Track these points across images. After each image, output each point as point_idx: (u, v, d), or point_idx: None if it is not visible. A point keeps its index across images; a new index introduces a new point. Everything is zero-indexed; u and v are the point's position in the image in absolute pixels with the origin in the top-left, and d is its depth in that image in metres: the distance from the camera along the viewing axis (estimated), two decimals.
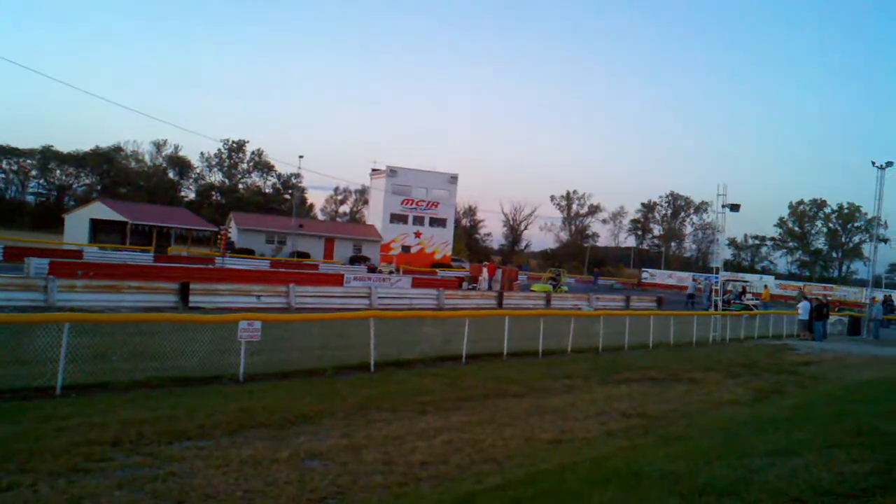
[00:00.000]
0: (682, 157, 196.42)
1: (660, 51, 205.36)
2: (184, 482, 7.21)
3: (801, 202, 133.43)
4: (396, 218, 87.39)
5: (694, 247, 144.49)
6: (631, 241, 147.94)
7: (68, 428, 8.87)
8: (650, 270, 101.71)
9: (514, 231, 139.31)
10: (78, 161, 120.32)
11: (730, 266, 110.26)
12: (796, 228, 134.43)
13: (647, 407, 13.43)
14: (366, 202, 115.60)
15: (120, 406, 10.35)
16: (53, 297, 22.79)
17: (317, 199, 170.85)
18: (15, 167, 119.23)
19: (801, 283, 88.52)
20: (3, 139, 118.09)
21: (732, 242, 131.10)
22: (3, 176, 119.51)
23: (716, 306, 35.31)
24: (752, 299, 51.54)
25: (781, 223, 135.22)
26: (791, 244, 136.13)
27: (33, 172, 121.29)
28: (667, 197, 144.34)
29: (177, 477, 7.37)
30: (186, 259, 54.54)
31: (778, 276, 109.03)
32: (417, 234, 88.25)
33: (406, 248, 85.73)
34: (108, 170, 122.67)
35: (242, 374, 13.22)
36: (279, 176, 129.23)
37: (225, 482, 7.31)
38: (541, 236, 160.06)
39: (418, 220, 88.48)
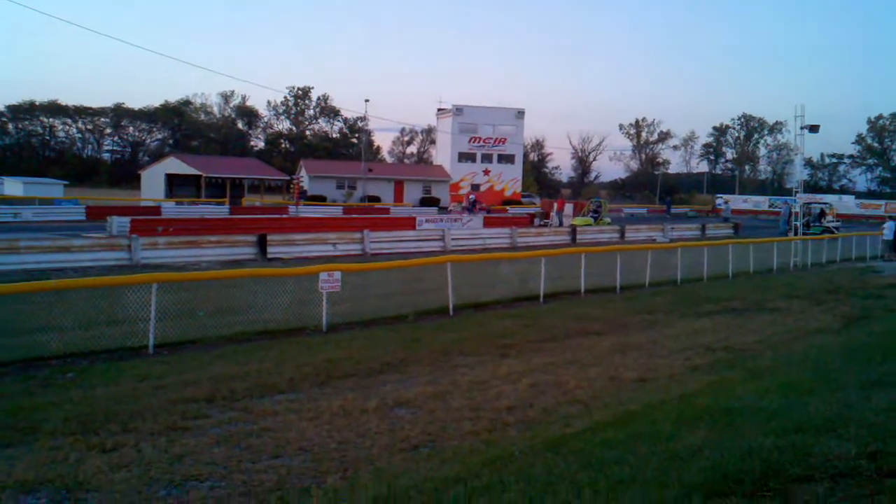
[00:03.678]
0: (753, 76, 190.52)
1: None
2: (278, 436, 7.40)
3: (880, 117, 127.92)
4: (464, 156, 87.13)
5: (769, 169, 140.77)
6: (703, 167, 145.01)
7: (164, 386, 9.16)
8: (724, 196, 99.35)
9: (583, 163, 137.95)
10: (149, 117, 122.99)
11: (807, 187, 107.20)
12: (876, 144, 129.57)
13: (731, 339, 13.29)
14: (433, 142, 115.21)
15: (210, 362, 10.63)
16: (137, 255, 23.41)
17: (383, 141, 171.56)
18: (90, 126, 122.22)
19: (882, 202, 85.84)
20: (77, 99, 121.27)
21: (808, 162, 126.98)
22: (79, 135, 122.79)
23: (795, 230, 34.48)
24: (833, 221, 50.07)
25: (860, 139, 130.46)
26: (871, 161, 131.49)
27: (107, 130, 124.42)
28: (739, 119, 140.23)
29: (271, 431, 7.56)
30: (261, 209, 55.33)
31: (858, 195, 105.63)
32: (486, 172, 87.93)
33: (475, 187, 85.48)
34: (179, 124, 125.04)
35: (325, 324, 13.43)
36: (345, 120, 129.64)
37: (318, 434, 7.48)
38: (610, 167, 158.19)
39: (486, 158, 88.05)
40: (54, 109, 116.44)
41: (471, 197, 63.11)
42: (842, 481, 4.83)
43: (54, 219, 43.58)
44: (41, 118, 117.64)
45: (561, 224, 46.41)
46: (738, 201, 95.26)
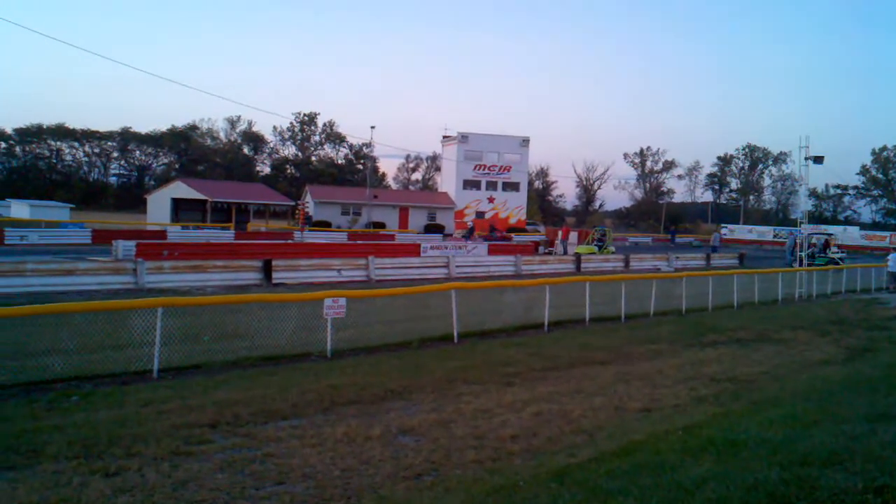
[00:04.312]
0: (758, 107, 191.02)
1: None
2: (282, 462, 7.39)
3: (884, 148, 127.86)
4: (469, 184, 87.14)
5: (773, 199, 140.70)
6: (708, 196, 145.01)
7: (168, 411, 9.15)
8: (729, 226, 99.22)
9: (587, 191, 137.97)
10: (156, 141, 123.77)
11: (812, 217, 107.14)
12: (880, 176, 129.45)
13: (736, 370, 13.27)
14: (438, 169, 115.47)
15: (215, 387, 10.63)
16: (143, 279, 23.46)
17: (389, 167, 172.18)
18: (97, 149, 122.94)
19: (886, 233, 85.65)
20: (85, 123, 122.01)
21: (813, 192, 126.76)
22: (86, 159, 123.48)
23: (800, 261, 34.44)
24: (838, 252, 49.99)
25: (864, 171, 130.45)
26: (875, 192, 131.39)
27: (114, 154, 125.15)
28: (744, 149, 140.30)
29: (275, 457, 7.55)
30: (266, 234, 55.50)
31: (862, 227, 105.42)
32: (491, 199, 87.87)
33: (480, 214, 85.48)
34: (186, 148, 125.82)
35: (330, 350, 13.44)
36: (351, 147, 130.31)
37: (321, 461, 7.46)
38: (615, 195, 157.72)
39: (491, 185, 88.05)
40: (61, 133, 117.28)
41: (469, 224, 63.29)
42: None
43: (60, 242, 43.70)
44: (48, 141, 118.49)
45: (565, 252, 46.42)
46: (742, 231, 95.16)
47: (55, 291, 20.87)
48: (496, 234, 58.05)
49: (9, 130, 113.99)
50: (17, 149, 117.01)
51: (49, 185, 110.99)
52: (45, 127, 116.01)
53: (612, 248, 50.35)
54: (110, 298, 18.68)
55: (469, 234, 56.39)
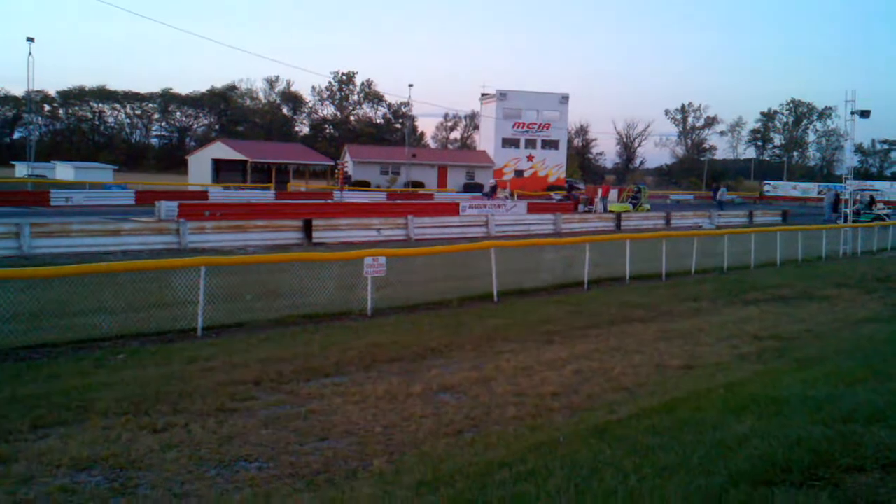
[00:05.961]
0: (802, 60, 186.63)
1: None
2: (325, 419, 7.49)
3: None
4: (508, 142, 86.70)
5: (818, 155, 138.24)
6: (751, 153, 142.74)
7: (213, 368, 9.31)
8: (772, 183, 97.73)
9: (627, 149, 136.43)
10: (196, 102, 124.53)
11: (857, 173, 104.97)
12: None
13: (778, 328, 13.14)
14: (476, 127, 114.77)
15: (258, 345, 10.77)
16: (185, 239, 23.76)
17: (427, 126, 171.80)
18: (138, 111, 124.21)
19: None
20: (126, 85, 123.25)
21: (859, 148, 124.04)
22: (128, 120, 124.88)
23: (845, 217, 33.87)
24: (884, 208, 49.12)
25: None
26: None
27: (156, 116, 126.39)
28: (787, 104, 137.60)
29: (317, 414, 7.65)
30: (306, 195, 55.81)
31: None
32: (530, 158, 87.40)
33: (519, 173, 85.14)
34: (225, 109, 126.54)
35: (370, 308, 13.52)
36: (389, 106, 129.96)
37: (363, 418, 7.55)
38: (656, 153, 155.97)
39: (530, 144, 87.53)
40: (103, 95, 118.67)
41: (491, 181, 63.03)
42: (893, 471, 4.76)
43: (104, 203, 44.32)
44: (91, 104, 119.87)
45: (605, 210, 46.13)
46: (786, 187, 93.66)
47: (101, 251, 21.26)
48: (497, 193, 57.73)
49: (52, 93, 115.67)
50: (61, 111, 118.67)
51: (92, 146, 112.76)
52: (87, 89, 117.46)
53: (648, 206, 49.89)
54: (154, 258, 18.95)
55: (491, 193, 56.20)
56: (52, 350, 10.31)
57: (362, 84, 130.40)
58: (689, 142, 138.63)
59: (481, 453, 6.25)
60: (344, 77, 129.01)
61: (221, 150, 70.59)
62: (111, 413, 7.46)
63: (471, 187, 77.03)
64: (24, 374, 9.00)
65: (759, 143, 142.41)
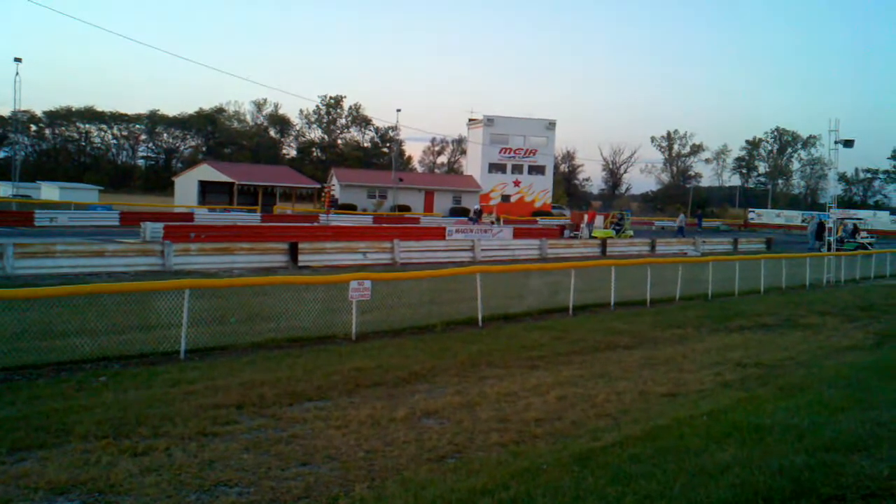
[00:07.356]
0: (787, 90, 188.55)
1: None
2: (307, 443, 7.45)
3: None
4: (495, 167, 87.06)
5: (802, 183, 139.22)
6: (735, 180, 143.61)
7: (195, 392, 9.24)
8: (757, 210, 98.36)
9: (613, 175, 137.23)
10: (183, 124, 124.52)
11: (841, 202, 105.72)
12: None
13: (762, 355, 13.18)
14: (463, 152, 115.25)
15: (241, 369, 10.70)
16: (170, 261, 23.63)
17: (414, 150, 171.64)
18: (125, 132, 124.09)
19: None
20: (113, 106, 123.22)
21: (843, 177, 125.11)
22: (114, 141, 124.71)
23: (828, 246, 34.07)
24: (867, 237, 49.49)
25: (895, 155, 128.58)
26: None
27: (142, 137, 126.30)
28: (772, 132, 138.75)
29: (300, 438, 7.61)
30: (292, 217, 55.65)
31: (893, 211, 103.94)
32: (516, 183, 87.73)
33: (506, 198, 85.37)
34: (212, 131, 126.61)
35: (355, 332, 13.48)
36: (377, 130, 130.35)
37: (346, 443, 7.51)
38: (641, 179, 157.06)
39: (517, 169, 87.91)
40: (90, 115, 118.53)
41: (476, 206, 63.27)
42: (873, 501, 4.77)
43: (89, 224, 44.04)
44: (77, 124, 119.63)
45: (591, 236, 46.29)
46: (770, 215, 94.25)
47: (85, 272, 21.11)
48: (479, 218, 58.11)
49: (39, 113, 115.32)
50: (47, 131, 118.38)
51: (78, 167, 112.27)
52: (74, 110, 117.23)
53: (631, 232, 50.30)
54: (138, 280, 18.86)
55: (477, 218, 56.37)
56: (33, 372, 10.22)
57: (350, 108, 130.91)
58: (675, 169, 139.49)
59: (464, 480, 6.22)
60: (332, 100, 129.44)
61: (208, 171, 70.41)
62: (91, 436, 7.40)
63: (457, 212, 77.12)
64: (3, 396, 8.91)
65: (744, 171, 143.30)
